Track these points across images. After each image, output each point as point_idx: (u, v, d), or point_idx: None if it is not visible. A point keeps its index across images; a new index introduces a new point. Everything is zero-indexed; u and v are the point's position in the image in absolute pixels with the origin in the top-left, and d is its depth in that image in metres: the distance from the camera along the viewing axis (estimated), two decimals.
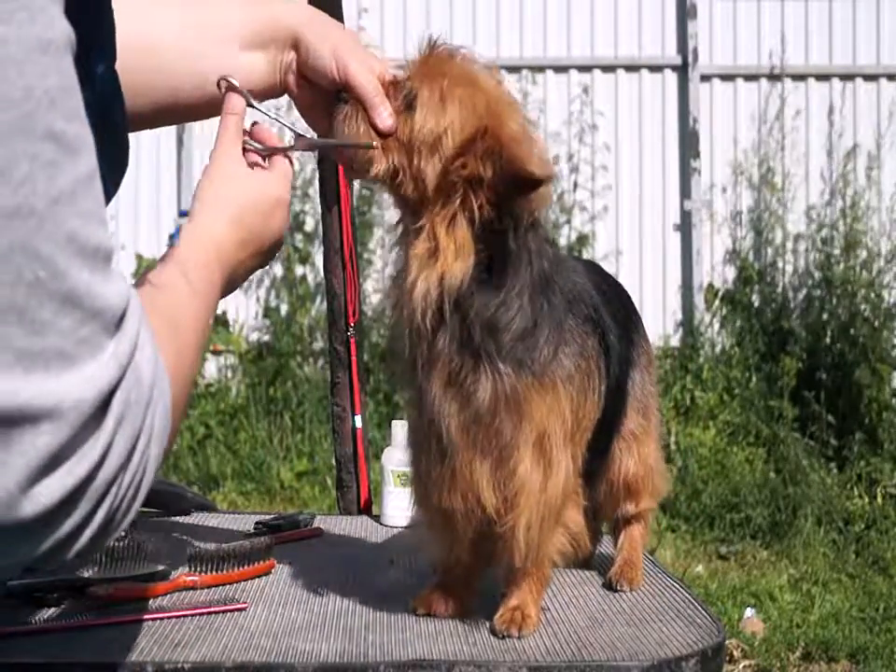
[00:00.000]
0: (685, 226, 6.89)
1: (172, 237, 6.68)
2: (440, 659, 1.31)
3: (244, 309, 6.83)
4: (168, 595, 1.55)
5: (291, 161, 1.37)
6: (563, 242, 6.58)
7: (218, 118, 1.37)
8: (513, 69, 6.77)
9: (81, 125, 0.79)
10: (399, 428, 2.05)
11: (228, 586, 1.61)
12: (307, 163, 6.42)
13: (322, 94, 1.41)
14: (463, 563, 1.50)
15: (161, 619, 1.45)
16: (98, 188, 0.81)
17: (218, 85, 1.37)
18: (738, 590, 4.46)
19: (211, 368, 6.67)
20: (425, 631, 1.43)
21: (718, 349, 6.64)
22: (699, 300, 6.78)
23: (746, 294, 6.69)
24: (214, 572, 1.61)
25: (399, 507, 2.00)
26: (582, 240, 6.75)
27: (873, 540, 5.05)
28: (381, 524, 2.09)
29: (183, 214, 6.76)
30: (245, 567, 1.65)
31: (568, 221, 6.74)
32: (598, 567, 1.73)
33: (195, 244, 1.22)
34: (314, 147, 1.51)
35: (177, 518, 2.09)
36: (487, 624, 1.44)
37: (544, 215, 1.40)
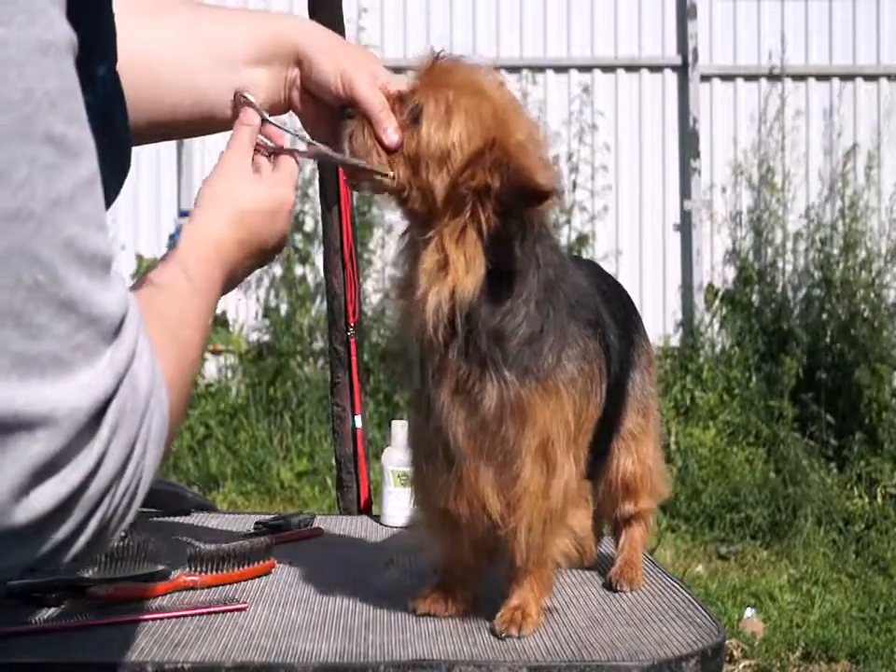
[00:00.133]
0: (685, 226, 6.89)
1: (172, 237, 6.68)
2: (440, 659, 1.31)
3: (243, 309, 6.82)
4: (168, 595, 1.55)
5: (298, 162, 1.36)
6: (563, 242, 6.57)
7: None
8: (513, 69, 6.77)
9: (82, 128, 0.78)
10: (399, 428, 2.05)
11: (228, 586, 1.61)
12: (307, 163, 6.41)
13: (326, 110, 1.40)
14: (463, 563, 1.50)
15: (161, 619, 1.45)
16: (98, 192, 0.80)
17: (235, 99, 1.36)
18: (738, 590, 4.46)
19: (211, 368, 6.67)
20: (425, 631, 1.43)
21: (718, 349, 6.64)
22: (699, 300, 6.77)
23: (746, 294, 6.69)
24: (214, 572, 1.61)
25: (398, 507, 2.00)
26: (582, 240, 6.75)
27: (873, 540, 5.05)
28: (381, 524, 2.09)
29: (183, 214, 6.76)
30: (245, 566, 1.65)
31: (568, 221, 6.73)
32: (598, 567, 1.73)
33: (195, 242, 1.22)
34: (326, 160, 1.45)
35: (177, 518, 2.09)
36: (487, 624, 1.44)
37: (549, 219, 1.40)
